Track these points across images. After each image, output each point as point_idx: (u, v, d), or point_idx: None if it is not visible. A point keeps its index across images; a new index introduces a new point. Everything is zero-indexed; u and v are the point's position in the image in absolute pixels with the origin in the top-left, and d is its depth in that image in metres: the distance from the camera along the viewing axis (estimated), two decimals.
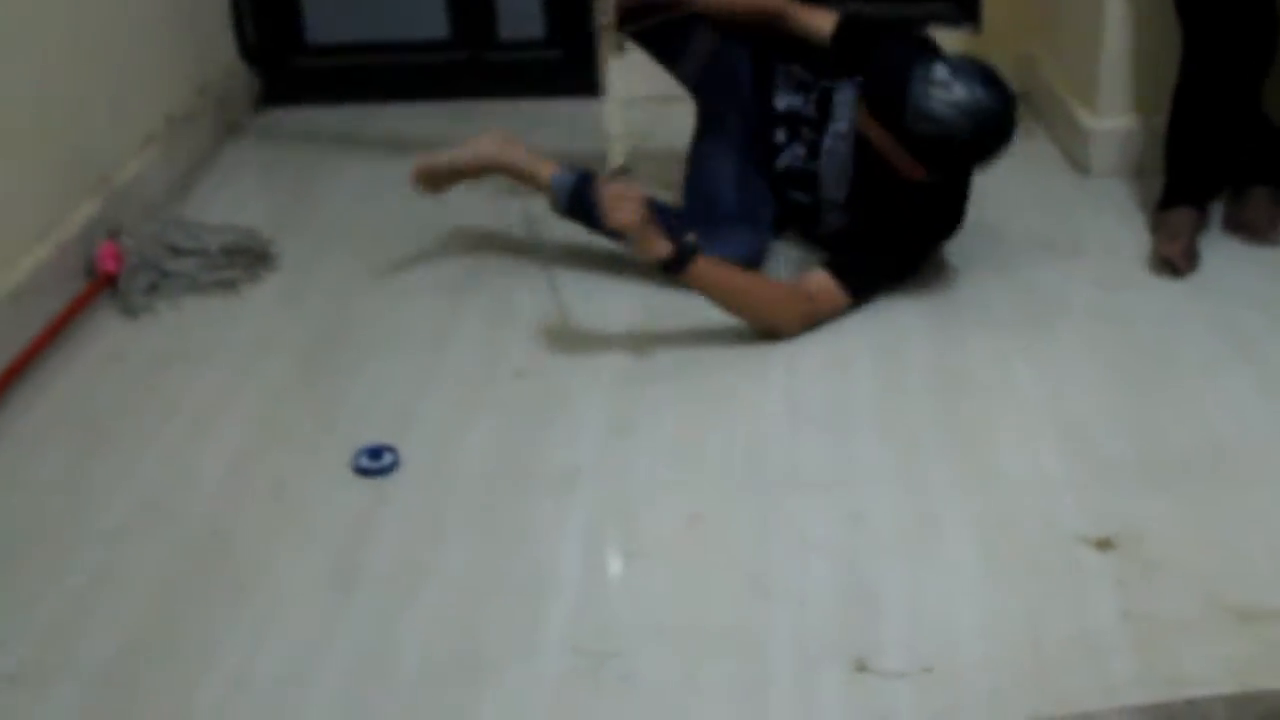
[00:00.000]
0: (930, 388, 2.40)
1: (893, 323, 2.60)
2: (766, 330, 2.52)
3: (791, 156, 2.82)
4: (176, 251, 2.81)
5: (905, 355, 2.50)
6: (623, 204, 2.41)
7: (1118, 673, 1.72)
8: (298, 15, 3.84)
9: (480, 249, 2.95)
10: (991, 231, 2.95)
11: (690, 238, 2.44)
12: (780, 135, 2.83)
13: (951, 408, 2.33)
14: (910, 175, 2.58)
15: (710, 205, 2.80)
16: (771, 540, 2.01)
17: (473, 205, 3.06)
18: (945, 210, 2.69)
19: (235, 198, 3.28)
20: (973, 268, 2.80)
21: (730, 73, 2.88)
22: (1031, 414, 2.30)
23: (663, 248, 2.41)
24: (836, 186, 2.76)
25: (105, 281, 2.77)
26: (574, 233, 2.79)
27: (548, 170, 2.75)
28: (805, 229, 2.89)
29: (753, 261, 2.69)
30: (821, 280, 2.56)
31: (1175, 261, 2.71)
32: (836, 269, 2.58)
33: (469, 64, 3.84)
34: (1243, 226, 2.86)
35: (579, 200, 2.68)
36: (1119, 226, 2.94)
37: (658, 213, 2.51)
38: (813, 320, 2.55)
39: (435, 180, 2.83)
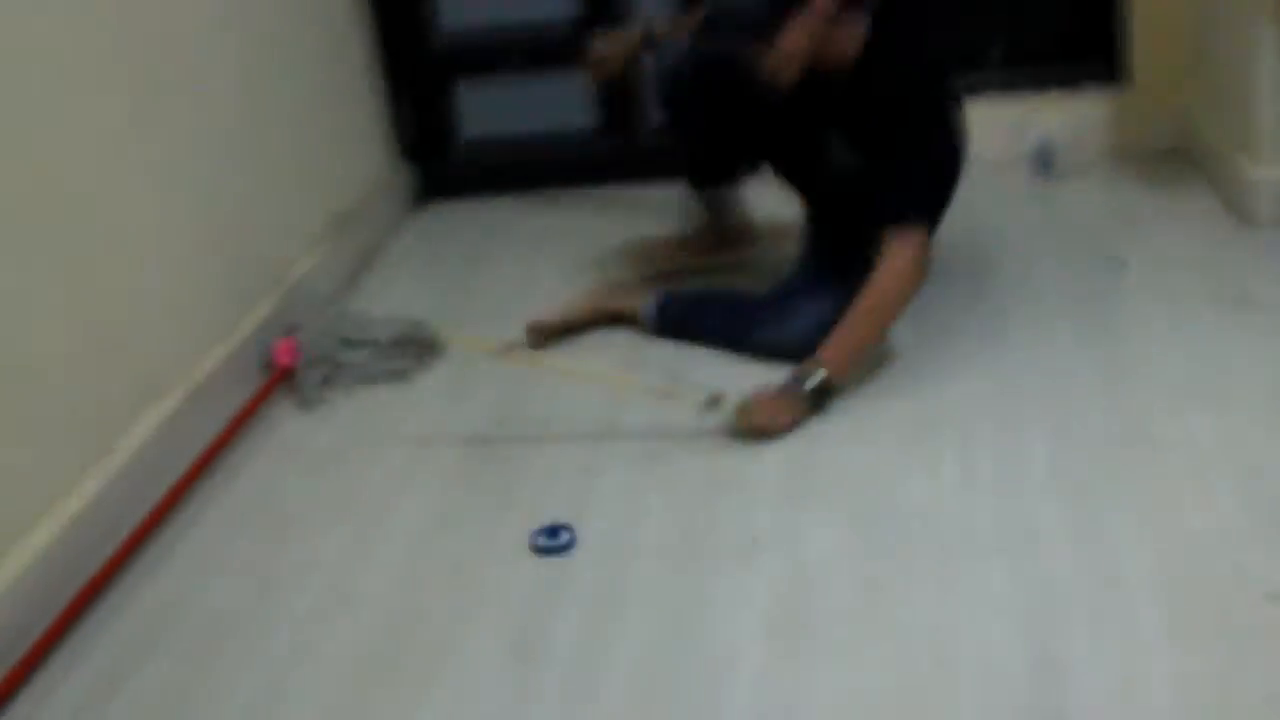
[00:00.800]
0: (1106, 446, 2.35)
1: (1066, 382, 2.57)
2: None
3: None
4: (348, 344, 2.89)
5: (1079, 414, 2.46)
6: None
7: None
8: (452, 112, 3.96)
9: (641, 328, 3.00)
10: (1158, 287, 2.92)
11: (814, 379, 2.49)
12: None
13: (1129, 465, 2.29)
14: (848, 53, 2.58)
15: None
16: (952, 607, 1.99)
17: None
18: (905, 50, 2.67)
19: (400, 290, 3.37)
20: (1143, 324, 2.76)
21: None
22: (1212, 468, 2.24)
23: (789, 413, 2.48)
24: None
25: (282, 376, 2.86)
26: None
27: (637, 302, 2.94)
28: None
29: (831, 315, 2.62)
30: (893, 244, 2.54)
31: None
32: (892, 218, 2.55)
33: (618, 152, 3.91)
34: None
35: (666, 321, 2.89)
36: None
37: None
38: (920, 265, 2.56)
39: (548, 334, 2.96)
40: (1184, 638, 1.87)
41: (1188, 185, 3.45)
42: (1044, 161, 3.63)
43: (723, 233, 3.18)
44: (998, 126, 3.72)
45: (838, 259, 2.75)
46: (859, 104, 2.63)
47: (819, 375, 2.48)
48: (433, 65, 3.94)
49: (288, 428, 2.76)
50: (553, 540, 2.22)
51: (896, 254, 2.54)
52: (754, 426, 2.46)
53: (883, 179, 2.62)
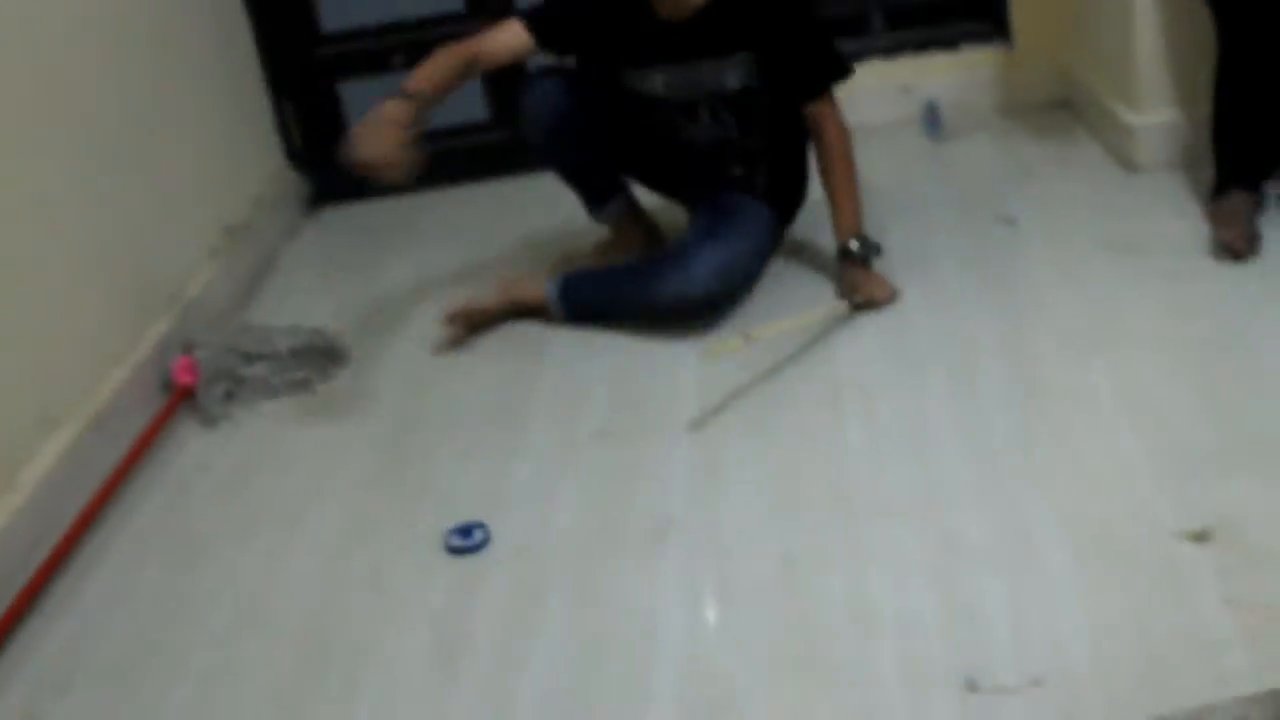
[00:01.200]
0: (1006, 398, 2.39)
1: (962, 335, 2.61)
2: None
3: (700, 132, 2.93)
4: (248, 358, 2.86)
5: (978, 367, 2.50)
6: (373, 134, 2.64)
7: (1230, 665, 1.71)
8: (339, 116, 3.92)
9: (541, 320, 2.99)
10: (1049, 236, 2.97)
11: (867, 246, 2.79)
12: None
13: (1030, 415, 2.33)
14: None
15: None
16: (868, 570, 2.01)
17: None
18: None
19: (299, 299, 3.34)
20: (1034, 273, 2.81)
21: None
22: (1112, 413, 2.29)
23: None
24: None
25: (183, 395, 2.82)
26: None
27: (540, 286, 2.96)
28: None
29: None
30: (823, 112, 2.81)
31: (1236, 246, 2.70)
32: (816, 93, 2.81)
33: (510, 143, 3.89)
34: None
35: (570, 303, 2.91)
36: (1175, 219, 2.92)
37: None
38: (843, 121, 2.84)
39: (468, 321, 2.95)
40: (1095, 581, 1.91)
41: (1073, 137, 3.50)
42: (933, 121, 3.67)
43: (644, 230, 3.16)
44: (885, 89, 3.77)
45: (720, 212, 2.89)
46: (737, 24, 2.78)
47: (861, 239, 2.78)
48: (317, 68, 3.89)
49: (192, 447, 2.73)
50: (467, 539, 2.21)
51: (829, 118, 2.82)
52: (881, 299, 2.73)
53: (794, 65, 2.81)
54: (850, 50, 3.72)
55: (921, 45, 3.79)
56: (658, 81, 2.87)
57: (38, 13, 2.66)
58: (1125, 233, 2.91)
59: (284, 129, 3.90)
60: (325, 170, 3.93)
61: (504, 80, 3.63)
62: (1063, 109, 3.67)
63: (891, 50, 3.79)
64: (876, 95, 3.74)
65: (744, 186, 2.95)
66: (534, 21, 2.86)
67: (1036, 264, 2.84)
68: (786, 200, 3.02)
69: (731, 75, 2.82)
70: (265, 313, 3.26)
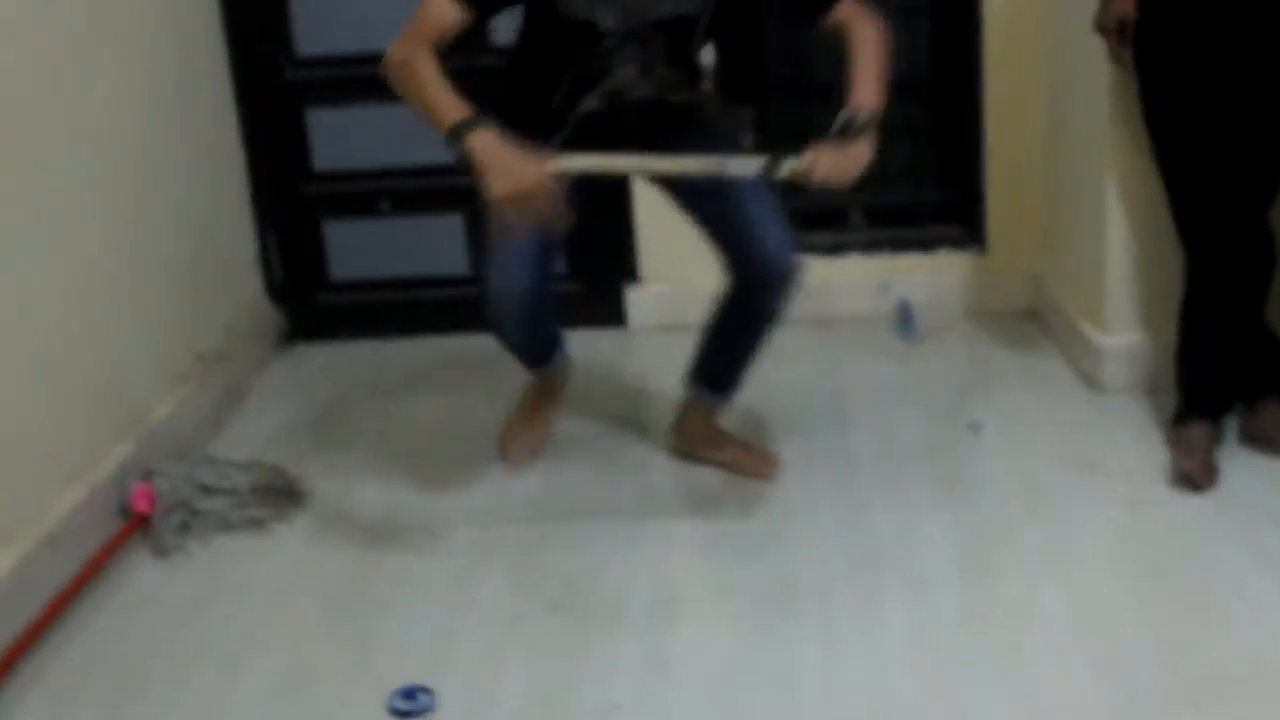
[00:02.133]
0: (961, 611, 2.40)
1: (922, 542, 2.62)
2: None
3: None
4: (207, 490, 2.85)
5: (935, 577, 2.51)
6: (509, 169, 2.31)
7: None
8: (322, 254, 3.96)
9: (504, 482, 2.99)
10: (1013, 449, 3.01)
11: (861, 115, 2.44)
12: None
13: (985, 637, 2.32)
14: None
15: None
16: None
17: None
18: None
19: (264, 434, 3.33)
20: (996, 486, 2.84)
21: None
22: (1065, 638, 2.30)
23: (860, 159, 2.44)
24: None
25: (139, 522, 2.80)
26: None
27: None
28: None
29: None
30: (846, 9, 2.56)
31: (1194, 477, 2.75)
32: None
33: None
34: (1256, 439, 2.90)
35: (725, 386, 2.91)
36: (1136, 443, 2.97)
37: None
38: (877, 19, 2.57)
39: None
40: None
41: (1041, 349, 3.57)
42: (905, 321, 3.73)
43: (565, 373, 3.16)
44: (861, 286, 3.85)
45: (718, 199, 2.68)
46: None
47: (865, 112, 2.45)
48: (304, 205, 3.94)
49: (142, 576, 2.70)
50: (411, 703, 2.18)
51: (860, 15, 2.55)
52: (825, 178, 2.39)
53: None
54: (829, 243, 3.85)
55: (899, 245, 3.88)
56: (609, 10, 2.54)
57: (27, 130, 2.69)
58: (1087, 452, 2.96)
59: (266, 262, 3.93)
60: (302, 306, 3.98)
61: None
62: (1032, 319, 3.76)
63: (869, 247, 3.88)
64: (852, 290, 3.83)
65: (695, 119, 2.69)
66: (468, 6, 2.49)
67: (999, 476, 2.87)
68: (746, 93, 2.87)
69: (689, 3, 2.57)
70: (229, 445, 3.24)
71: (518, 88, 2.71)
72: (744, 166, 2.45)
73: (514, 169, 2.30)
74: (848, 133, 2.42)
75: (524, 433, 3.10)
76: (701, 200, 2.72)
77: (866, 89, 2.47)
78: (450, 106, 2.37)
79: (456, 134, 2.33)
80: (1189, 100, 2.74)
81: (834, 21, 2.56)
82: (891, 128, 3.90)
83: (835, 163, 2.38)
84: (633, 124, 2.64)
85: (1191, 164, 2.79)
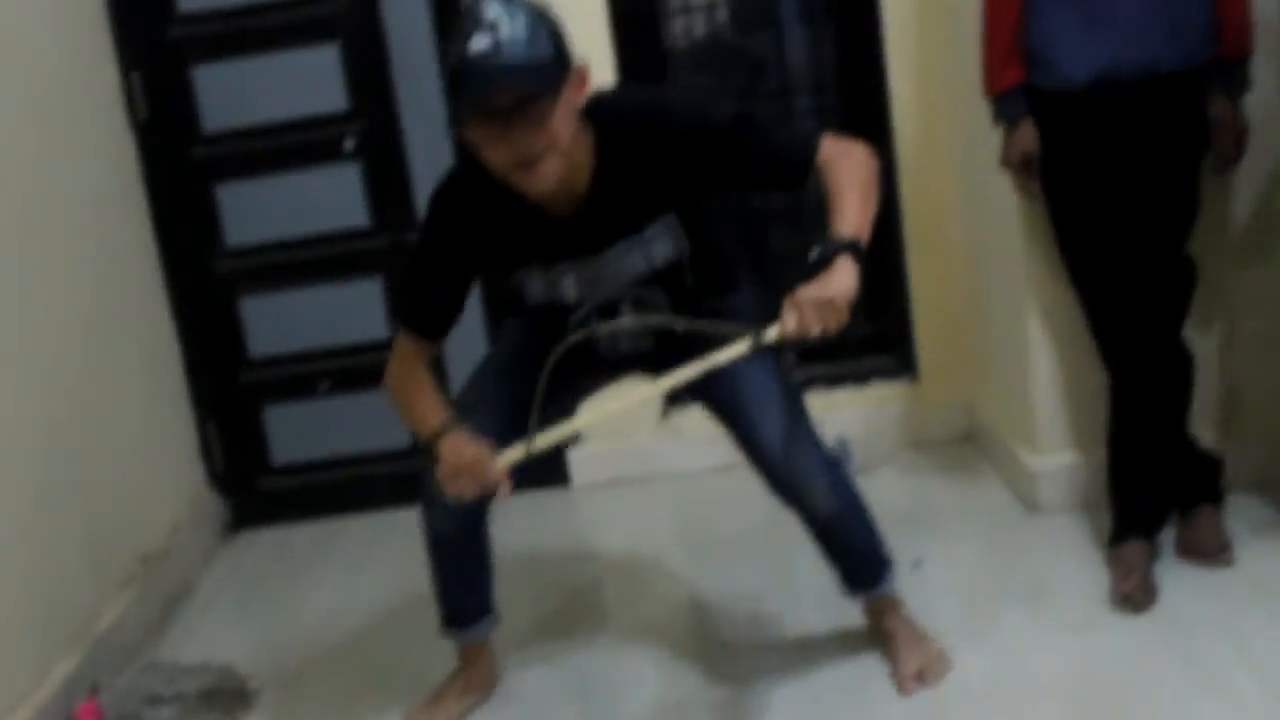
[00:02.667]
0: None
1: (866, 688, 2.63)
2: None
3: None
4: (154, 700, 2.83)
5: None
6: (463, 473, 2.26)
7: None
8: (263, 439, 3.97)
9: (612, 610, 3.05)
10: (954, 581, 3.02)
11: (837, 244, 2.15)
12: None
13: None
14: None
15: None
16: None
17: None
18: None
19: (213, 630, 3.32)
20: (940, 621, 2.84)
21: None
22: None
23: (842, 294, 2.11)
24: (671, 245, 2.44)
25: None
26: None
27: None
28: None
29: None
30: (824, 151, 2.29)
31: (1135, 598, 2.77)
32: (807, 149, 2.31)
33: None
34: (1193, 551, 2.93)
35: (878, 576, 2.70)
36: (1076, 564, 3.00)
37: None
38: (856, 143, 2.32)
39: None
40: None
41: (979, 474, 3.61)
42: (843, 457, 3.75)
43: (491, 659, 2.87)
44: None
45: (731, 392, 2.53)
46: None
47: (838, 243, 2.16)
48: (242, 392, 3.96)
49: None
50: None
51: (836, 149, 2.30)
52: (813, 329, 2.11)
53: (768, 158, 2.35)
54: None
55: (833, 381, 3.93)
56: (568, 285, 2.45)
57: None
58: (1028, 579, 2.98)
59: (206, 450, 3.94)
60: (245, 493, 3.99)
61: None
62: (968, 443, 3.80)
63: (802, 386, 3.91)
64: None
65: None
66: (413, 323, 2.49)
67: (942, 611, 2.88)
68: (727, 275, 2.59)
69: (659, 247, 2.42)
70: (177, 645, 3.23)
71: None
72: (730, 353, 2.19)
73: (472, 470, 2.28)
74: (821, 267, 2.14)
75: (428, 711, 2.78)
76: (698, 396, 2.56)
77: (841, 217, 2.21)
78: (427, 416, 2.39)
79: (429, 443, 2.36)
80: (1097, 227, 2.83)
81: (818, 170, 2.29)
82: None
83: (817, 307, 2.09)
84: (628, 348, 2.57)
85: (1104, 288, 2.87)
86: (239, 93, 3.82)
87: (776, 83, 4.02)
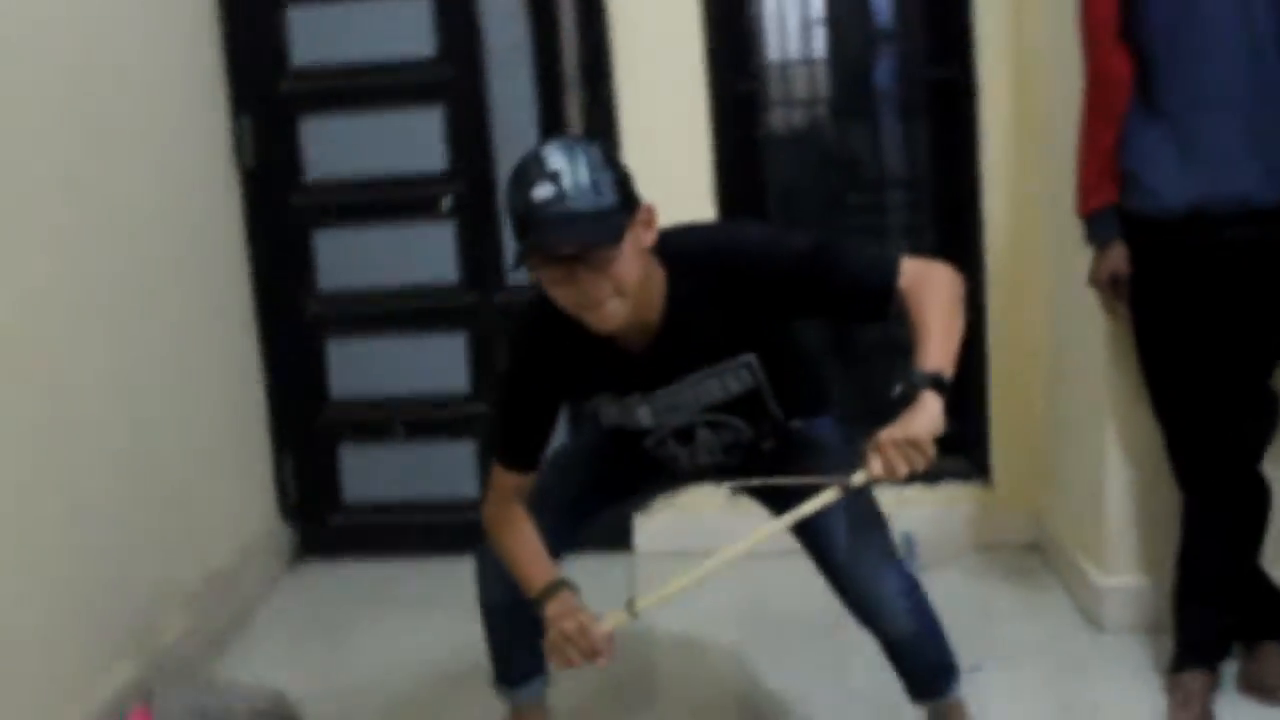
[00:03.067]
0: None
1: None
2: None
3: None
4: (204, 716, 2.86)
5: None
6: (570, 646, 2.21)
7: None
8: (335, 476, 4.04)
9: (675, 685, 3.06)
10: (1010, 695, 2.98)
11: (920, 378, 2.11)
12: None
13: None
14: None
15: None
16: None
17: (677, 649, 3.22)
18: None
19: (269, 656, 3.36)
20: None
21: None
22: None
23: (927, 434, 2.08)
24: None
25: None
26: None
27: None
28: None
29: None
30: (899, 289, 2.22)
31: None
32: (887, 278, 2.23)
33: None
34: (1256, 688, 2.88)
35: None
36: (1135, 686, 2.96)
37: None
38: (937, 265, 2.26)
39: None
40: None
41: (1044, 583, 3.58)
42: (908, 554, 3.75)
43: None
44: None
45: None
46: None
47: (922, 376, 2.11)
48: (321, 429, 4.03)
49: None
50: None
51: (923, 273, 2.23)
52: (901, 469, 2.09)
53: (850, 287, 2.27)
54: None
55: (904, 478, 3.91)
56: (643, 413, 2.44)
57: (43, 357, 2.80)
58: (1086, 696, 2.95)
59: (280, 481, 4.01)
60: (314, 525, 4.05)
61: None
62: (1036, 552, 3.77)
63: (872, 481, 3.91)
64: None
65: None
66: (506, 459, 2.44)
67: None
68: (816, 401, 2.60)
69: (733, 380, 2.40)
70: (233, 666, 3.28)
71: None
72: (820, 501, 2.16)
73: (577, 641, 2.23)
74: (904, 404, 2.10)
75: None
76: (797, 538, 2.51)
77: (924, 349, 2.15)
78: (531, 572, 2.37)
79: (538, 602, 2.32)
80: (1182, 353, 2.81)
81: (900, 296, 2.22)
82: (902, 352, 4.03)
83: (901, 449, 2.07)
84: (708, 461, 2.54)
85: (1186, 413, 2.85)
86: (343, 146, 3.94)
87: (871, 175, 4.07)
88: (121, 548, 3.04)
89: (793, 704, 3.02)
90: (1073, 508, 3.53)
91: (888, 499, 3.80)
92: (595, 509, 2.63)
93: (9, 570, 2.61)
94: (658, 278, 2.26)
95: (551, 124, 3.82)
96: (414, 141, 3.91)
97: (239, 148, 3.85)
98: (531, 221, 2.10)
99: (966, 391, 3.90)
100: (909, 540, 3.76)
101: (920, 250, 4.00)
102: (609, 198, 2.12)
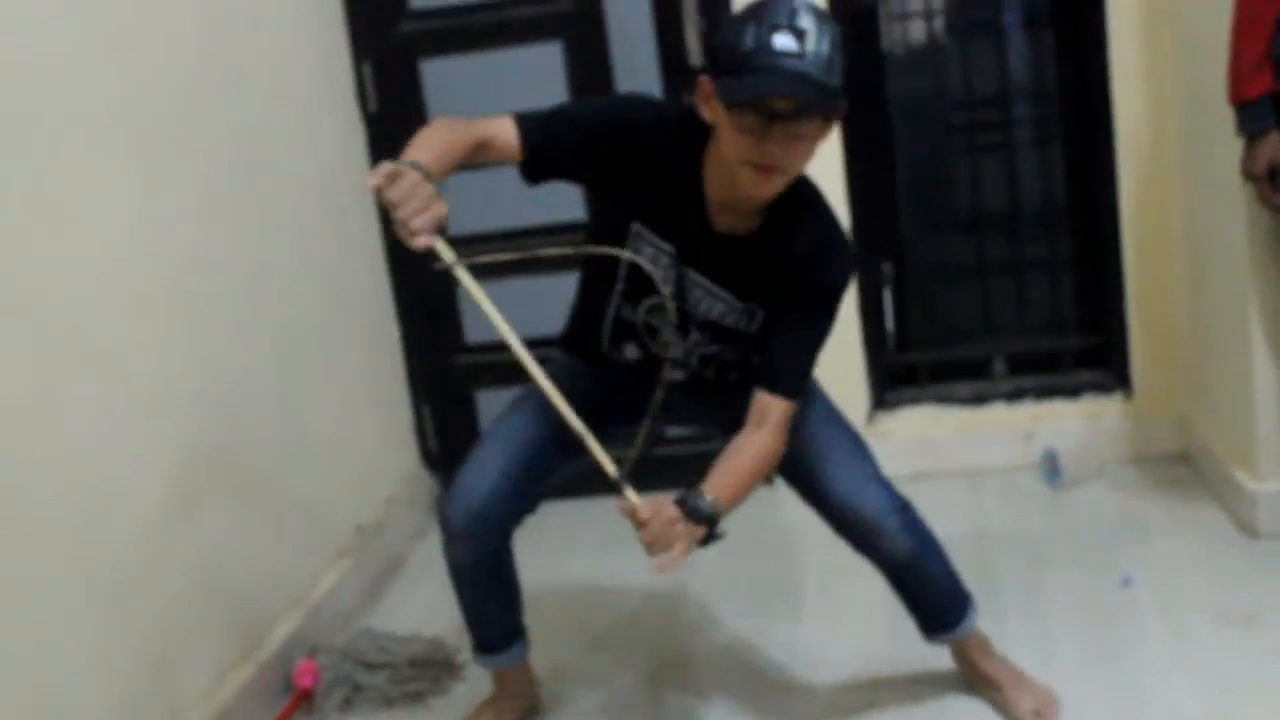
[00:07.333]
0: None
1: (1072, 711, 2.59)
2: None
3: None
4: (368, 666, 2.95)
5: None
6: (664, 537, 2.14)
7: None
8: (474, 423, 4.09)
9: (656, 638, 3.03)
10: (1164, 603, 2.96)
11: (707, 502, 2.19)
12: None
13: None
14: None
15: None
16: None
17: (655, 601, 3.17)
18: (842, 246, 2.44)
19: (422, 604, 3.42)
20: (1147, 643, 2.79)
21: None
22: None
23: (686, 541, 2.15)
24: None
25: (302, 698, 2.91)
26: None
27: None
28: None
29: None
30: (777, 414, 2.32)
31: None
32: (786, 392, 2.34)
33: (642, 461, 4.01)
34: None
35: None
36: None
37: None
38: (785, 430, 2.35)
39: None
40: None
41: (1193, 494, 3.52)
42: (1052, 469, 3.71)
43: (529, 680, 2.86)
44: (1006, 434, 3.84)
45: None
46: (784, 272, 2.37)
47: (712, 506, 2.19)
48: (457, 376, 4.09)
49: None
50: None
51: (779, 425, 2.32)
52: (645, 533, 2.13)
53: (782, 351, 2.38)
54: (972, 394, 3.87)
55: (1043, 393, 3.87)
56: (664, 273, 2.38)
57: (200, 311, 2.87)
58: (1242, 605, 2.89)
59: (420, 430, 4.07)
60: (456, 473, 4.09)
61: None
62: (1183, 463, 3.70)
63: (1013, 396, 3.88)
64: (996, 440, 3.82)
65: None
66: (524, 120, 2.31)
67: (1150, 633, 2.82)
68: None
69: (732, 318, 2.43)
70: (389, 615, 3.35)
71: (574, 325, 2.74)
72: (602, 456, 2.22)
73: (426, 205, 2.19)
74: (694, 516, 2.17)
75: None
76: (783, 476, 2.57)
77: (724, 480, 2.25)
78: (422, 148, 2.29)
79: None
80: None
81: (760, 402, 2.33)
82: (1033, 266, 3.98)
83: (660, 533, 2.13)
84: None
85: None
86: (465, 86, 3.93)
87: (995, 90, 3.99)
88: (276, 509, 3.12)
89: (774, 652, 2.99)
90: (1220, 414, 3.46)
91: (1028, 416, 3.81)
92: (554, 456, 2.63)
93: (180, 536, 2.70)
94: (789, 189, 2.26)
95: (671, 54, 3.80)
96: (535, 78, 3.89)
97: (362, 94, 3.89)
98: (761, 64, 2.09)
99: (1104, 302, 3.83)
100: (1052, 455, 3.72)
101: (1051, 163, 3.95)
102: (836, 79, 2.14)
